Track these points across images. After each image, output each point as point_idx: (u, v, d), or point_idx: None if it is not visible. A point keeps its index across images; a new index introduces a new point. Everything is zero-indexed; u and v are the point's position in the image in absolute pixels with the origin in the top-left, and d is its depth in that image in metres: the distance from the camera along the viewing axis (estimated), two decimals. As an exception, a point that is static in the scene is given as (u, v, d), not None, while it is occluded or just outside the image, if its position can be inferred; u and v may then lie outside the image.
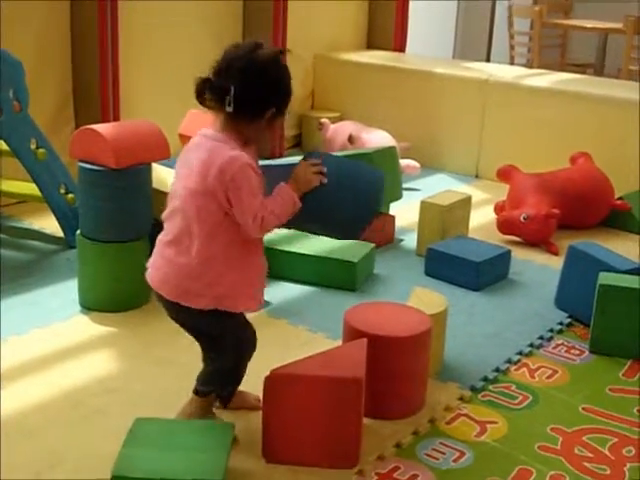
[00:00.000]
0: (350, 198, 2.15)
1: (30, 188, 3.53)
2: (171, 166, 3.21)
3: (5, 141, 3.28)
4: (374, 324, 2.31)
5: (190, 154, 2.07)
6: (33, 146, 3.34)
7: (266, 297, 3.04)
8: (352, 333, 2.30)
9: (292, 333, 2.83)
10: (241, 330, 2.19)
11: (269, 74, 2.04)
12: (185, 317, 2.14)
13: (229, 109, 2.00)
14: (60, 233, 3.51)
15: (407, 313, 2.42)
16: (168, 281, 2.09)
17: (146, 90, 4.42)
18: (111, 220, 2.82)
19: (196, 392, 2.21)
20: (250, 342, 2.21)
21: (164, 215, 2.13)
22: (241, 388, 2.34)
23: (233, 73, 2.01)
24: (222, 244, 2.05)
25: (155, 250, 2.14)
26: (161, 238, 2.13)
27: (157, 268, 2.12)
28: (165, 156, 2.97)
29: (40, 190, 3.41)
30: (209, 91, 2.02)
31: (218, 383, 2.23)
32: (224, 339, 2.16)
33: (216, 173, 1.98)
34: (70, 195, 3.44)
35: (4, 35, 3.71)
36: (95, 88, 4.05)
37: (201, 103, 2.06)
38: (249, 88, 2.01)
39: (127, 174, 2.80)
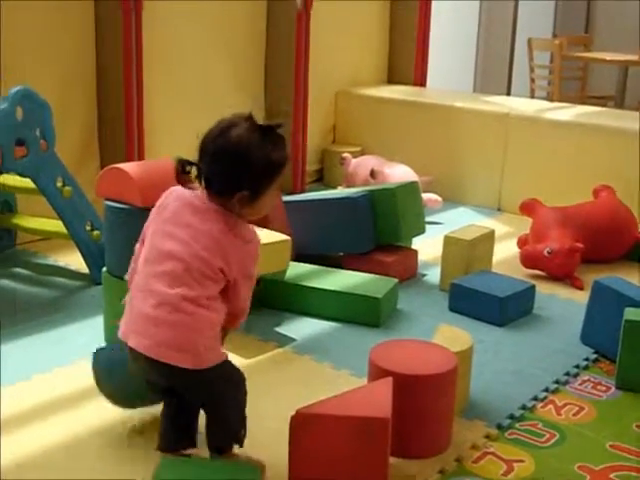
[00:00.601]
0: None
1: (55, 225, 3.56)
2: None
3: (32, 179, 3.32)
4: (399, 362, 2.31)
5: (190, 217, 2.00)
6: (59, 184, 3.38)
7: (290, 333, 3.08)
8: (377, 372, 2.29)
9: (316, 370, 2.83)
10: (235, 367, 2.13)
11: (234, 158, 1.97)
12: (188, 380, 2.01)
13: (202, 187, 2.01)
14: (85, 269, 3.54)
15: (432, 351, 2.42)
16: (179, 347, 1.94)
17: (170, 128, 4.46)
18: (137, 258, 2.84)
19: (220, 452, 2.11)
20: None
21: (154, 274, 1.99)
22: (268, 424, 2.35)
23: (203, 154, 2.00)
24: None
25: (137, 319, 2.00)
26: (150, 305, 1.96)
27: (150, 336, 1.96)
28: (190, 194, 2.98)
29: (66, 227, 3.44)
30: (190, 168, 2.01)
31: (237, 428, 2.12)
32: (230, 383, 2.09)
33: (236, 254, 2.00)
34: (96, 232, 3.47)
35: (30, 75, 3.77)
36: (120, 125, 4.10)
37: (179, 182, 2.03)
38: (214, 171, 1.99)
39: (153, 212, 2.82)
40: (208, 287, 1.98)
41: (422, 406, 2.27)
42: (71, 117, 4.06)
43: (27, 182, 3.39)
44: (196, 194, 2.04)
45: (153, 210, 2.12)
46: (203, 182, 2.00)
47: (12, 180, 3.54)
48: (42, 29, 3.90)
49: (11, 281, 3.55)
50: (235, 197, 1.98)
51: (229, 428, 2.12)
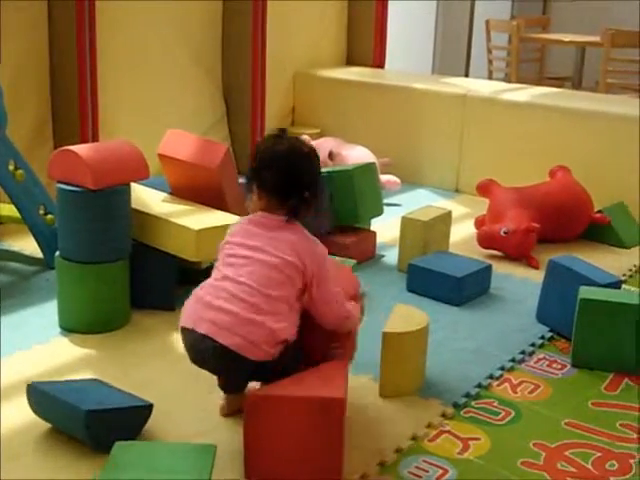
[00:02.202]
0: None
1: (8, 209, 3.51)
2: (149, 186, 3.22)
3: (-17, 163, 3.27)
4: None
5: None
6: (11, 167, 3.32)
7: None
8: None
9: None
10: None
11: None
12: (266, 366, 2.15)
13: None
14: (39, 254, 3.48)
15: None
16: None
17: (125, 110, 4.40)
18: (90, 241, 2.80)
19: None
20: None
21: None
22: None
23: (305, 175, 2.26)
24: None
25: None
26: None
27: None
28: (144, 176, 2.95)
29: (19, 211, 3.39)
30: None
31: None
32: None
33: None
34: (49, 216, 3.42)
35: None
36: (73, 108, 4.03)
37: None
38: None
39: (106, 195, 2.78)
40: None
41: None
42: (23, 99, 3.98)
43: (-22, 166, 3.33)
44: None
45: None
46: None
47: (-37, 164, 3.47)
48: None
49: (-36, 267, 3.50)
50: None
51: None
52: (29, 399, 2.28)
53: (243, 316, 2.11)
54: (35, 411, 2.28)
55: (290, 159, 2.21)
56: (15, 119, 3.44)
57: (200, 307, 2.17)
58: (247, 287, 2.13)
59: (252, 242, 2.19)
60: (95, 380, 2.42)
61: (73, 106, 4.03)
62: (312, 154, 2.28)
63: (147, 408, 2.26)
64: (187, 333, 2.18)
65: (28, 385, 2.28)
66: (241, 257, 2.19)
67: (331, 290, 2.23)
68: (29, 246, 3.57)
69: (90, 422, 2.12)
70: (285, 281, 2.15)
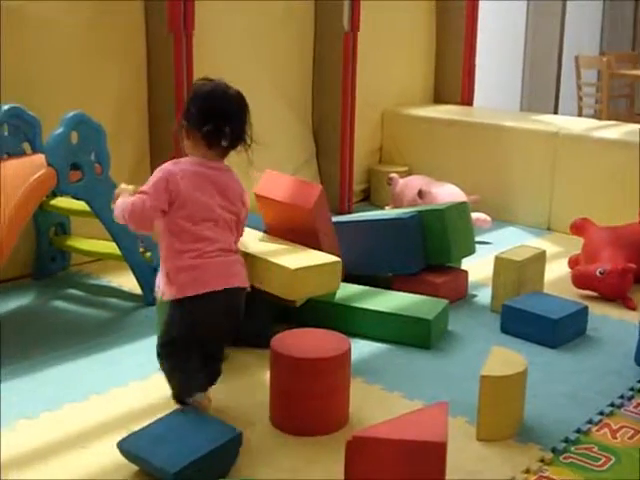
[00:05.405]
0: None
1: (108, 246, 3.61)
2: (249, 226, 3.27)
3: (87, 203, 3.37)
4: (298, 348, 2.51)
5: None
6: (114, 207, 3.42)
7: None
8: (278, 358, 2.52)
9: (368, 392, 2.82)
10: None
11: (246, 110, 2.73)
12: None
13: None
14: (138, 290, 3.58)
15: (328, 338, 2.62)
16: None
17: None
18: (190, 280, 2.87)
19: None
20: None
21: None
22: (324, 447, 2.37)
23: (227, 116, 2.61)
24: None
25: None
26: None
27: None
28: (242, 217, 3.01)
29: (120, 249, 3.48)
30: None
31: None
32: None
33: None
34: (148, 253, 3.51)
35: (84, 98, 3.84)
36: (171, 149, 4.14)
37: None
38: (240, 127, 2.71)
39: (205, 235, 2.85)
40: None
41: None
42: (124, 141, 4.11)
43: (81, 204, 3.45)
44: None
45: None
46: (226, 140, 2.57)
47: (66, 203, 3.60)
48: (95, 54, 3.98)
49: (65, 302, 3.61)
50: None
51: None
52: (121, 452, 2.31)
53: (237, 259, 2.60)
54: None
55: (211, 93, 2.53)
56: (115, 160, 3.54)
57: (214, 268, 2.51)
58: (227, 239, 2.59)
59: (213, 200, 2.57)
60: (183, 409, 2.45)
61: (170, 147, 4.14)
62: (236, 94, 2.59)
63: (236, 439, 2.28)
64: (215, 295, 2.48)
65: (117, 445, 2.30)
66: (215, 219, 2.58)
67: None
68: (128, 282, 3.67)
69: None
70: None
